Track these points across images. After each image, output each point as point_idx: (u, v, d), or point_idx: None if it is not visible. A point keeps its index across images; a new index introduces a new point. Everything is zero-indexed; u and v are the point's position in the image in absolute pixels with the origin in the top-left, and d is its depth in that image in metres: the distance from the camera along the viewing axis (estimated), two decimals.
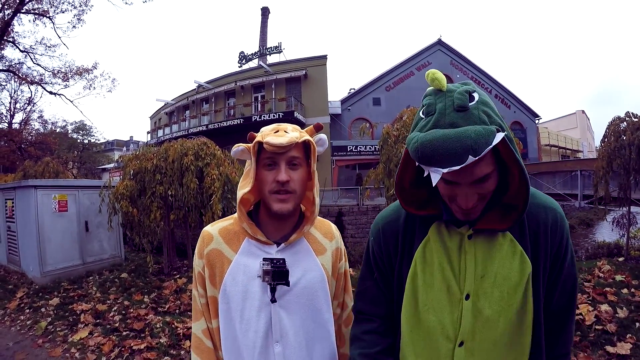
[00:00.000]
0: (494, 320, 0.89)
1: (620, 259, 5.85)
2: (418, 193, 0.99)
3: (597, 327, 3.53)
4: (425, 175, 0.80)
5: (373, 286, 1.07)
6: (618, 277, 4.73)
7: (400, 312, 1.00)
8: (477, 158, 0.72)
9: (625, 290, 4.30)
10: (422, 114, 0.83)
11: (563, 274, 0.94)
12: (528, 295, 0.89)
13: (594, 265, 5.48)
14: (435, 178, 0.76)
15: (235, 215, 1.14)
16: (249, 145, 1.08)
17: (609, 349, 3.17)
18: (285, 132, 1.05)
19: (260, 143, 1.03)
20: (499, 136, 0.73)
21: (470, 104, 0.78)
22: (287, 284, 1.04)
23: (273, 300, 1.04)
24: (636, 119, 5.49)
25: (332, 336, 1.15)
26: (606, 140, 5.84)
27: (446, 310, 0.92)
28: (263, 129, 1.09)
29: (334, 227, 1.25)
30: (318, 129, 1.13)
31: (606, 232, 8.70)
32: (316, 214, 1.13)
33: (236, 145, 1.10)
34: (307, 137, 1.06)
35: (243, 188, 1.08)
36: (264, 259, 1.05)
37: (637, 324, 3.51)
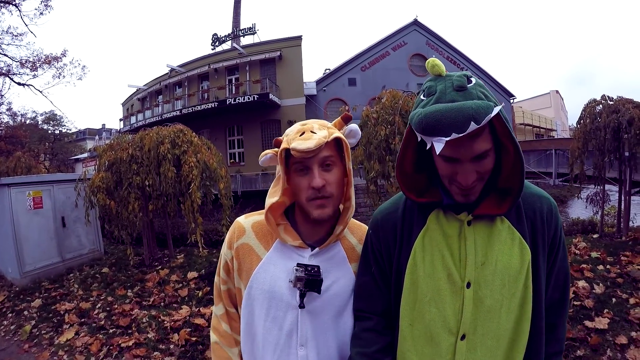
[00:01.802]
0: (495, 310, 0.89)
1: (595, 236, 6.10)
2: (418, 178, 0.99)
3: (575, 303, 3.68)
4: (428, 147, 0.83)
5: (370, 281, 1.05)
6: (594, 254, 4.93)
7: (399, 307, 0.99)
8: (478, 127, 0.75)
9: (600, 267, 4.49)
10: (423, 96, 0.87)
11: (556, 266, 0.96)
12: (528, 284, 0.90)
13: (570, 242, 5.70)
14: (438, 147, 0.79)
15: None
16: (277, 150, 1.02)
17: (588, 323, 3.32)
18: (311, 132, 0.97)
19: (287, 149, 0.97)
20: (497, 109, 0.78)
21: (468, 85, 0.82)
22: (319, 292, 1.00)
23: (301, 306, 1.01)
24: (611, 102, 5.64)
25: None
26: (582, 121, 5.99)
27: (447, 300, 0.92)
28: (287, 131, 1.02)
29: None
30: (346, 120, 1.05)
31: (580, 209, 9.03)
32: (350, 212, 1.05)
33: (263, 153, 1.05)
34: (337, 133, 1.00)
35: (272, 196, 1.03)
36: (298, 265, 1.01)
37: (614, 300, 3.68)
